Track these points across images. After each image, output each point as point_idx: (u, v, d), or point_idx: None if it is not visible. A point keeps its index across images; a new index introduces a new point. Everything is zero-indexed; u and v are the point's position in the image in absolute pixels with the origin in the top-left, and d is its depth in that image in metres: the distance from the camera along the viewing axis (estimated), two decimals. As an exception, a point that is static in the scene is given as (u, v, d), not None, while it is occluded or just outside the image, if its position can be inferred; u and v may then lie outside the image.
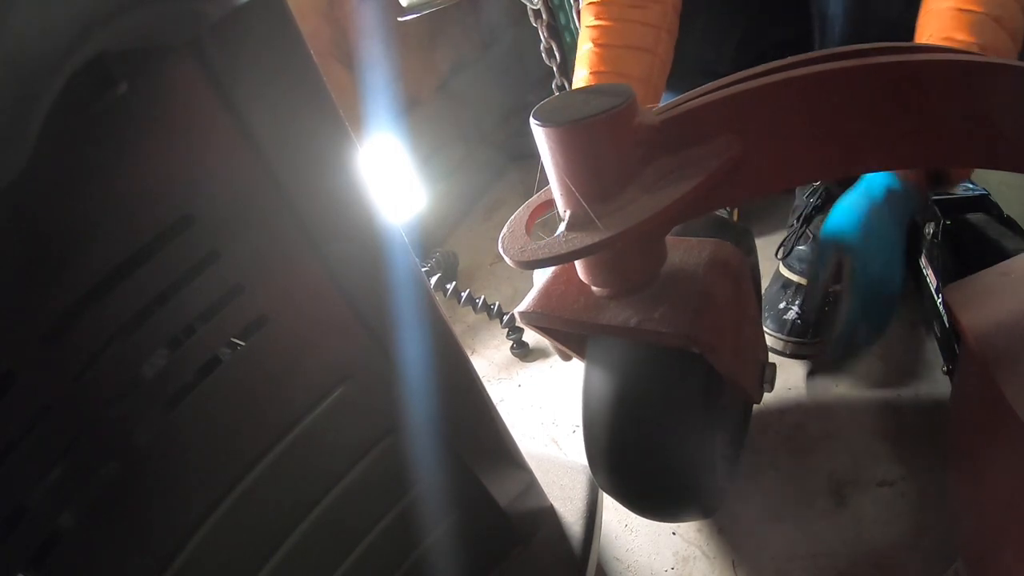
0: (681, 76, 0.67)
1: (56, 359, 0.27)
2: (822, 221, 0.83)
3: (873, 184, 0.62)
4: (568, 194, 0.42)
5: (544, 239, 0.45)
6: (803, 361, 0.78)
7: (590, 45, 0.72)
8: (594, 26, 0.73)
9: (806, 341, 0.77)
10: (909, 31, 0.62)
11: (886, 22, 0.65)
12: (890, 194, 0.61)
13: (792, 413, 0.72)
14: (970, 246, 0.65)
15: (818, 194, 0.85)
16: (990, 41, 0.55)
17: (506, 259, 0.46)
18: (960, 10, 0.57)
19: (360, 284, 0.38)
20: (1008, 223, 0.67)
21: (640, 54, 0.72)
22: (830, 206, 0.83)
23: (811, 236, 0.84)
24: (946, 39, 0.56)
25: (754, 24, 0.83)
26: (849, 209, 0.61)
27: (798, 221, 0.86)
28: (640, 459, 0.53)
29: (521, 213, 0.51)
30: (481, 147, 1.41)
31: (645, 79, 0.70)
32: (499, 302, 0.94)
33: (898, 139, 0.42)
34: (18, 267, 0.25)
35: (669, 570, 0.64)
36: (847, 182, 0.81)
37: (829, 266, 0.61)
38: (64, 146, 0.25)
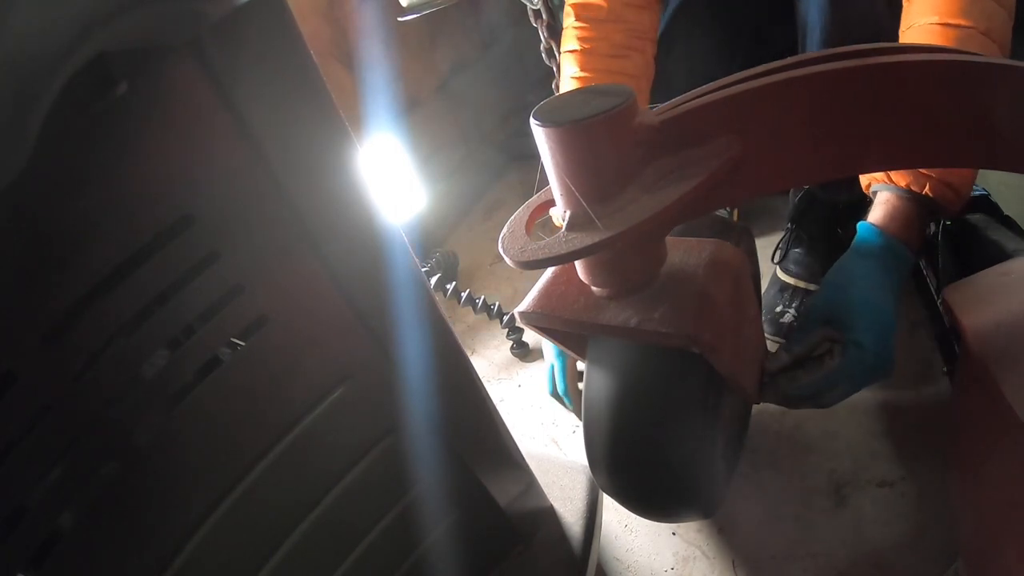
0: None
1: (56, 359, 0.27)
2: (812, 223, 0.83)
3: (864, 249, 0.57)
4: (568, 194, 0.42)
5: (544, 239, 0.45)
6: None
7: None
8: (578, 77, 0.74)
9: None
10: (891, 40, 0.60)
11: (865, 29, 0.64)
12: (884, 256, 0.56)
13: (792, 413, 0.72)
14: (970, 246, 0.65)
15: (805, 198, 0.84)
16: (985, 22, 0.53)
17: (506, 259, 0.46)
18: (945, 25, 0.54)
19: (360, 284, 0.38)
20: (1008, 223, 0.67)
21: None
22: (816, 207, 0.83)
23: (804, 238, 0.84)
24: (942, 24, 0.54)
25: (758, 32, 0.82)
26: (849, 276, 0.56)
27: (790, 223, 0.86)
28: (640, 459, 0.53)
29: (521, 213, 0.51)
30: (481, 147, 1.41)
31: None
32: (499, 302, 0.94)
33: (898, 139, 0.42)
34: (18, 267, 0.25)
35: (669, 570, 0.64)
36: (829, 185, 0.80)
37: (814, 338, 0.55)
38: (64, 146, 0.25)
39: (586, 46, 0.74)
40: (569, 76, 0.75)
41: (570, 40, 0.76)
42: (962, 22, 0.54)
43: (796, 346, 0.56)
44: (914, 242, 0.58)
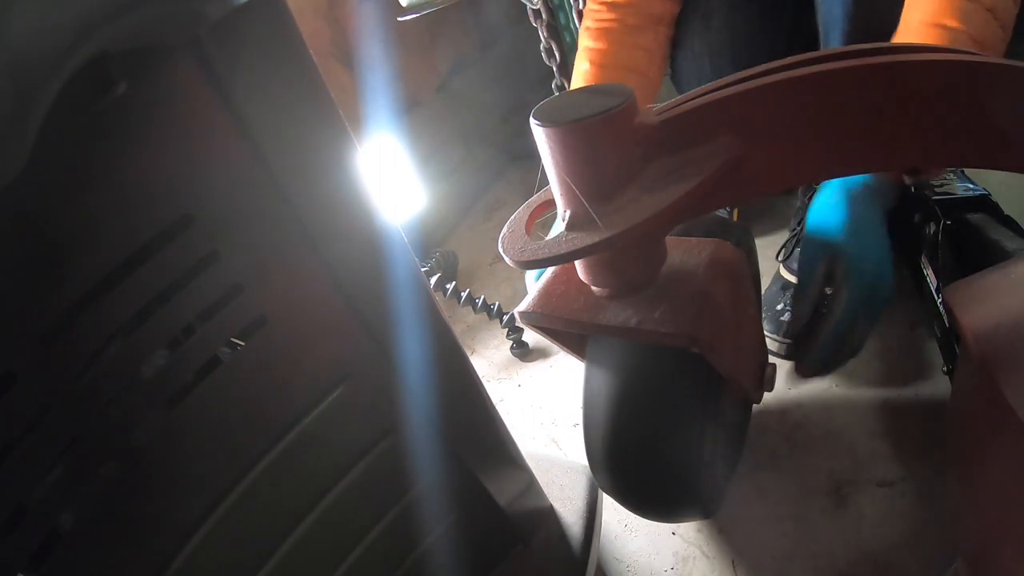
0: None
1: (56, 359, 0.27)
2: None
3: (848, 180, 0.60)
4: (568, 194, 0.42)
5: (544, 239, 0.45)
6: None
7: (588, 65, 0.77)
8: (593, 48, 0.78)
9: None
10: None
11: (889, 25, 0.64)
12: (867, 188, 0.58)
13: (792, 413, 0.72)
14: (970, 246, 0.65)
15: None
16: (978, 30, 0.53)
17: (506, 259, 0.46)
18: None
19: (360, 284, 0.38)
20: (1008, 223, 0.67)
21: (635, 77, 0.78)
22: None
23: None
24: (935, 24, 0.54)
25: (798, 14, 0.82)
26: (830, 208, 0.58)
27: (799, 223, 0.85)
28: (640, 459, 0.53)
29: (521, 213, 0.51)
30: (481, 147, 1.41)
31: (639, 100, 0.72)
32: (499, 302, 0.94)
33: (899, 139, 0.42)
34: (18, 267, 0.25)
35: (669, 570, 0.64)
36: None
37: (819, 271, 0.57)
38: (64, 146, 0.25)
39: (602, 25, 0.79)
40: (584, 47, 0.79)
41: (588, 19, 0.81)
42: (954, 24, 0.54)
43: (807, 290, 0.56)
44: (892, 177, 0.59)
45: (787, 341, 0.78)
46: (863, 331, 0.57)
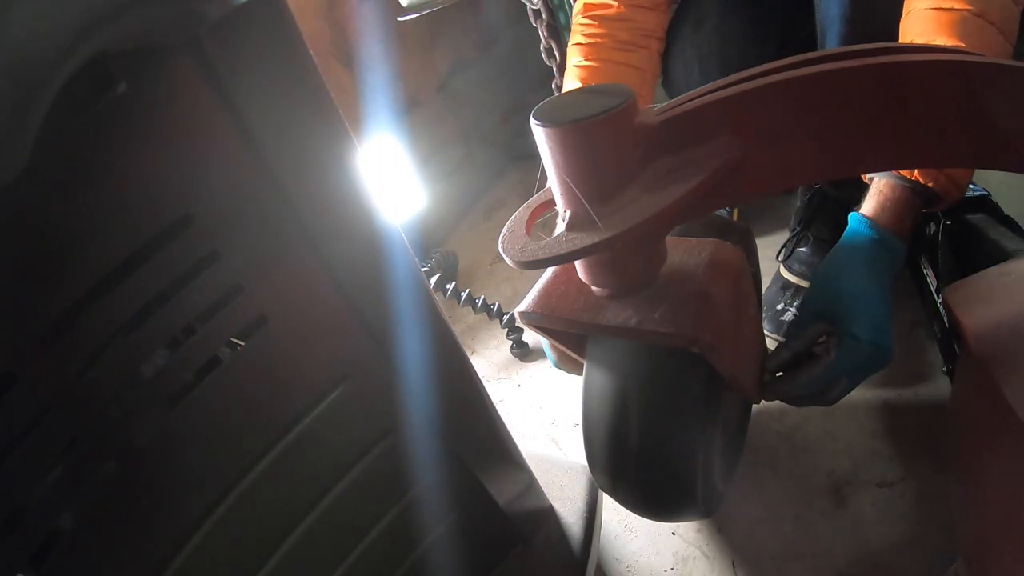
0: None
1: (56, 359, 0.27)
2: (822, 224, 0.83)
3: (855, 241, 0.57)
4: (568, 194, 0.42)
5: (544, 239, 0.45)
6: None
7: (577, 84, 0.75)
8: (582, 66, 0.76)
9: None
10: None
11: (886, 25, 0.63)
12: (879, 246, 0.56)
13: (792, 413, 0.72)
14: (970, 246, 0.65)
15: (816, 197, 0.85)
16: (976, 41, 0.52)
17: (506, 259, 0.46)
18: (940, 9, 0.54)
19: (360, 284, 0.38)
20: (1008, 223, 0.67)
21: None
22: (828, 207, 0.83)
23: (811, 239, 0.84)
24: (934, 7, 0.54)
25: (790, 18, 0.82)
26: (838, 268, 0.56)
27: (799, 224, 0.86)
28: (640, 460, 0.53)
29: (521, 213, 0.51)
30: (481, 147, 1.41)
31: None
32: (499, 302, 0.94)
33: (898, 139, 0.42)
34: (18, 267, 0.25)
35: (669, 570, 0.64)
36: (843, 184, 0.80)
37: (812, 332, 0.54)
38: (64, 146, 0.25)
39: (592, 40, 0.77)
40: (574, 65, 0.77)
41: (577, 35, 0.79)
42: (955, 4, 0.53)
43: (794, 342, 0.56)
44: (906, 232, 0.58)
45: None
46: (842, 392, 0.56)
